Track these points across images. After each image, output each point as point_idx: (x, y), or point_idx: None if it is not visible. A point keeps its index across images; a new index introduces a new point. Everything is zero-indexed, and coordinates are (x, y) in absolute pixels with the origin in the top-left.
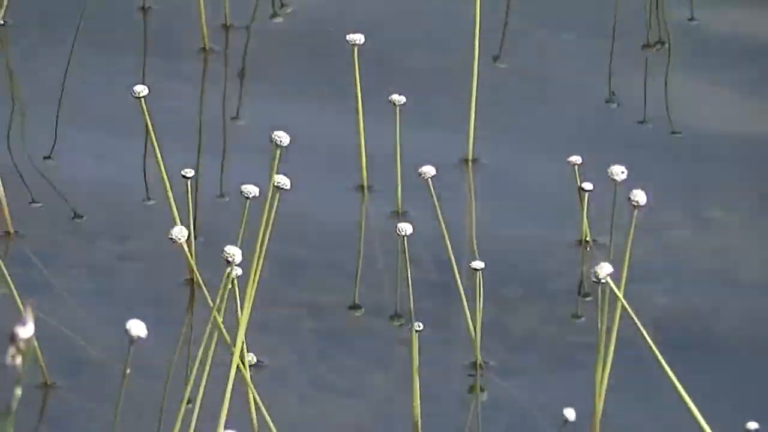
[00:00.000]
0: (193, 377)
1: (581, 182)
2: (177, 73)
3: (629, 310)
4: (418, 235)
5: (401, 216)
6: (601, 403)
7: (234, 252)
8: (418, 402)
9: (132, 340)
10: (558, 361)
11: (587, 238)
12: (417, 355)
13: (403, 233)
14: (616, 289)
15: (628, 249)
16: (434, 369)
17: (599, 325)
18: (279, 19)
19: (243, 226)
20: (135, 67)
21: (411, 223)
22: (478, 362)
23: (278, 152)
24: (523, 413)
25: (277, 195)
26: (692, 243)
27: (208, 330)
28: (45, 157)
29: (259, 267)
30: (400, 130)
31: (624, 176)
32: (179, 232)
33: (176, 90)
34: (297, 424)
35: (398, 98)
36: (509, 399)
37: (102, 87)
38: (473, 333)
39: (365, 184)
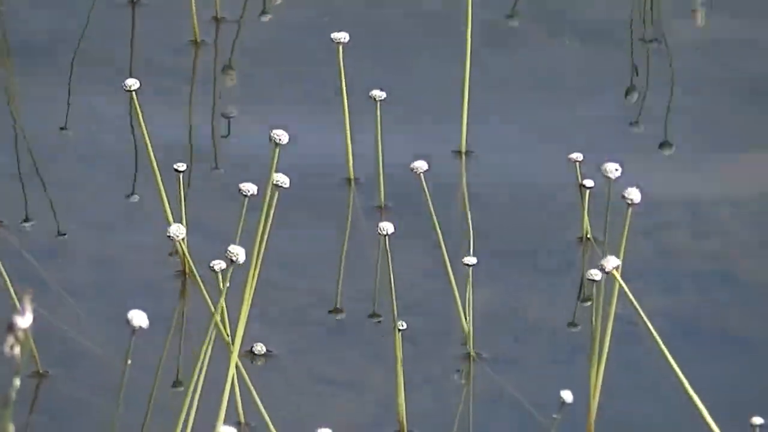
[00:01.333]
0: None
1: (582, 179)
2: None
3: (633, 300)
4: (412, 227)
5: (384, 210)
6: (596, 400)
7: (238, 251)
8: (403, 398)
9: (134, 331)
10: (556, 357)
11: (588, 236)
12: (401, 353)
13: (385, 232)
14: (621, 280)
15: (623, 246)
16: (428, 361)
17: (594, 322)
18: (268, 16)
19: (241, 224)
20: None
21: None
22: (471, 354)
23: (277, 150)
24: (519, 407)
25: (276, 193)
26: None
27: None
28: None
29: (258, 264)
30: (382, 125)
31: (618, 174)
32: (177, 230)
33: (166, 83)
34: (294, 417)
35: (379, 93)
36: (505, 393)
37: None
38: (466, 326)
39: (352, 177)
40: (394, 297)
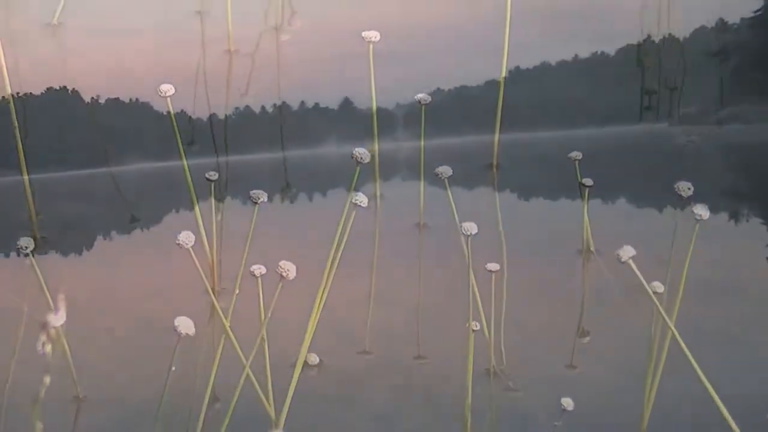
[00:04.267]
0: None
1: (582, 178)
2: None
3: (658, 304)
4: (437, 238)
5: (423, 227)
6: (650, 408)
7: (288, 267)
8: (470, 401)
9: (180, 337)
10: (570, 366)
11: (590, 247)
12: (472, 353)
13: (469, 233)
14: (641, 276)
15: (687, 263)
16: (447, 370)
17: (653, 331)
18: (285, 36)
19: (250, 233)
20: None
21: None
22: (492, 367)
23: (358, 169)
24: (526, 419)
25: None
26: None
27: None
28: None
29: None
30: (425, 131)
31: (691, 192)
32: (186, 238)
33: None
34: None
35: (424, 97)
36: (511, 403)
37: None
38: (488, 337)
39: (377, 192)
40: (471, 296)
